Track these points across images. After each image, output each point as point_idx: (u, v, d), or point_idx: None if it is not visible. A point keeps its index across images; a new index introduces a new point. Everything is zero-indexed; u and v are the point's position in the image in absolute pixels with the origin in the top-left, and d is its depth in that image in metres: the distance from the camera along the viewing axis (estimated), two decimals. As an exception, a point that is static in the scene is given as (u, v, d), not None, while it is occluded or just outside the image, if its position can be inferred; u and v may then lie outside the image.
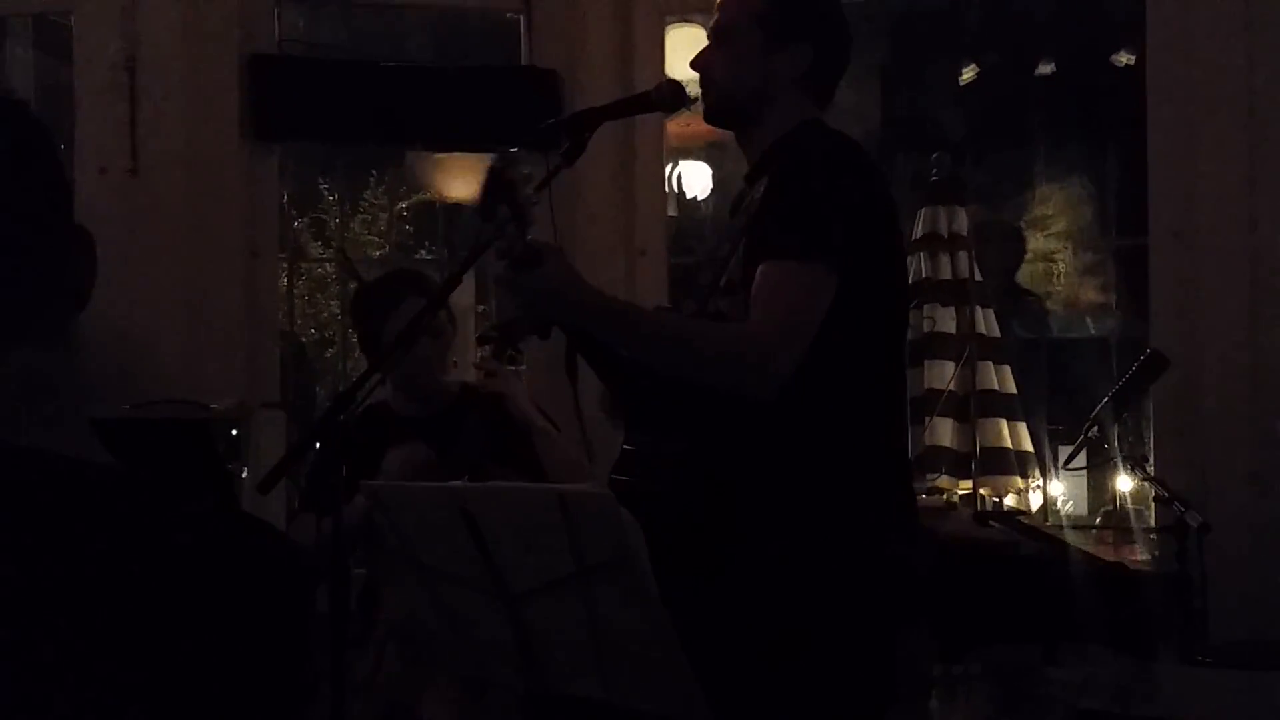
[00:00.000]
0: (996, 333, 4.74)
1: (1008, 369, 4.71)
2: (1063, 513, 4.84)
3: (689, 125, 5.33)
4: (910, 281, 4.66)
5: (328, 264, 5.96)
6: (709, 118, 2.51)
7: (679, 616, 1.91)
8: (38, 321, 1.09)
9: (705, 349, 2.23)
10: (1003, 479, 4.63)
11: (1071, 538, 4.25)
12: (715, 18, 2.50)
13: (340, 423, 2.05)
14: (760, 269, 2.21)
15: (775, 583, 2.28)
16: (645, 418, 2.44)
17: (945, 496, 4.57)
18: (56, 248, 1.11)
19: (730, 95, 2.45)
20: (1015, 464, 4.64)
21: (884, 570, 2.33)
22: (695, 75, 2.52)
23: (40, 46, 5.47)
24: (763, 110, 2.43)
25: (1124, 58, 5.59)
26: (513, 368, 3.06)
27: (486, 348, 3.05)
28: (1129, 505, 4.49)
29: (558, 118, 2.43)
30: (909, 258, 4.70)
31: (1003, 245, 5.59)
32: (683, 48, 4.82)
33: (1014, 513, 4.52)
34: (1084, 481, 4.96)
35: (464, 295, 5.38)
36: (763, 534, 2.29)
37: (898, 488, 2.44)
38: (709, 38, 2.50)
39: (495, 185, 2.24)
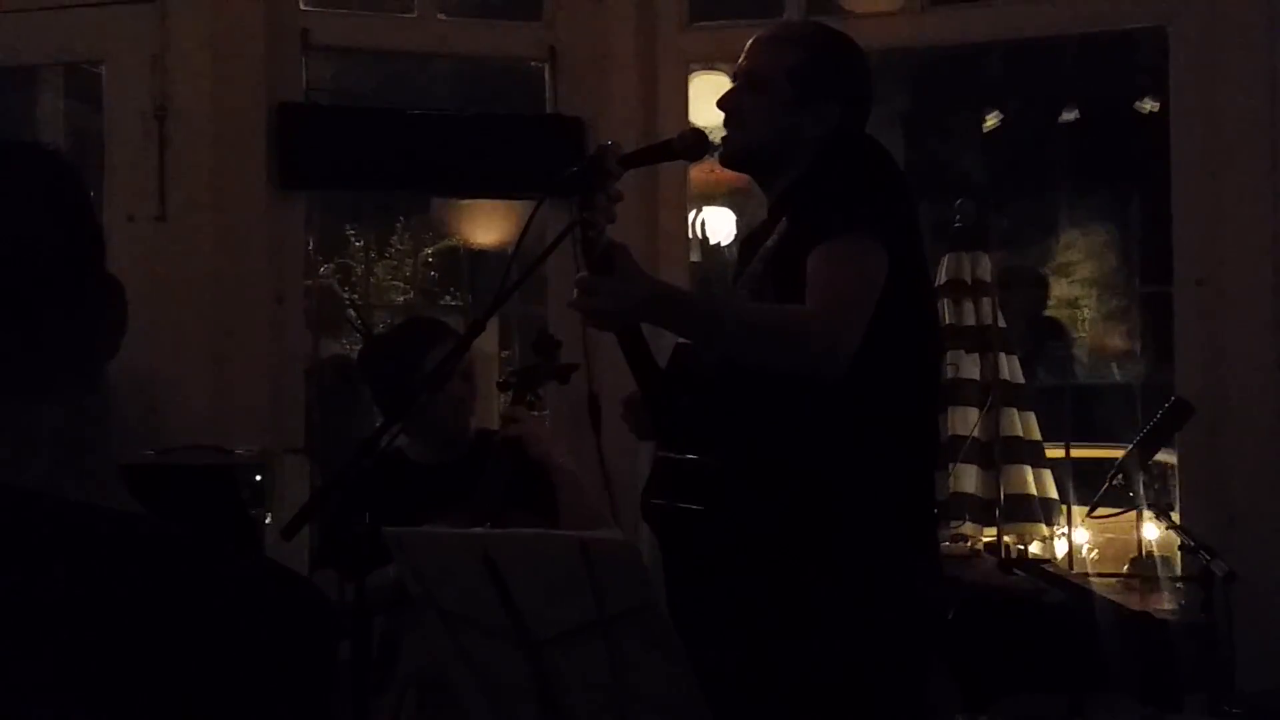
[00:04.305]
0: (1020, 379, 4.73)
1: (1032, 415, 4.69)
2: (1088, 561, 4.81)
3: (712, 172, 5.35)
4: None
5: (352, 304, 5.98)
6: (727, 161, 2.53)
7: (697, 657, 1.90)
8: (71, 370, 1.10)
9: (773, 332, 2.26)
10: (1027, 526, 4.61)
11: (1097, 586, 4.22)
12: (745, 61, 2.52)
13: (362, 470, 2.05)
14: (813, 254, 2.25)
15: (802, 621, 2.28)
16: (680, 431, 2.44)
17: (969, 544, 4.54)
18: (90, 296, 1.12)
19: (755, 144, 2.48)
20: (1040, 511, 4.61)
21: (914, 610, 2.34)
22: (718, 122, 2.54)
23: (71, 95, 5.53)
24: (785, 162, 2.46)
25: (1148, 104, 5.61)
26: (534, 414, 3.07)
27: (508, 394, 3.07)
28: (1155, 554, 4.45)
29: (582, 165, 2.44)
30: (932, 304, 4.70)
31: (1025, 291, 5.59)
32: (707, 96, 4.84)
33: (1039, 560, 4.49)
34: (1109, 529, 4.93)
35: (487, 342, 5.41)
36: (792, 557, 2.29)
37: (928, 523, 2.46)
38: (738, 79, 2.52)
39: (598, 170, 2.25)
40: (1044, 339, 5.57)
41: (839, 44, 2.53)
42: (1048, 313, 6.27)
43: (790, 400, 2.28)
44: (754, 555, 2.30)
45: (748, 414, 2.33)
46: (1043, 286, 6.09)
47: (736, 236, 5.76)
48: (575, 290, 2.23)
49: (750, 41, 2.54)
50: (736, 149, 2.51)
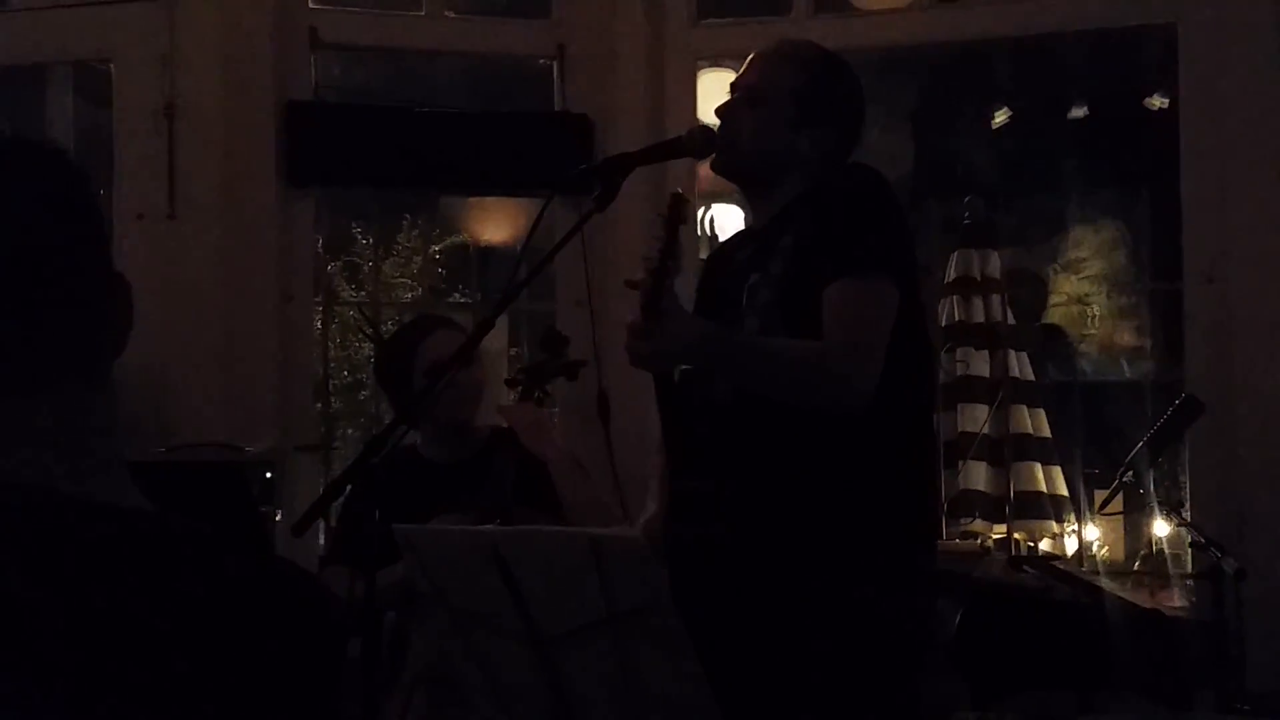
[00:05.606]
0: (1030, 376, 4.72)
1: (1042, 412, 4.69)
2: (1098, 558, 4.80)
3: (721, 169, 5.34)
4: (943, 325, 4.66)
5: (361, 307, 5.99)
6: (720, 169, 2.55)
7: (709, 660, 1.91)
8: (78, 368, 1.10)
9: (801, 368, 2.32)
10: (1037, 523, 4.60)
11: (1107, 583, 4.21)
12: (748, 75, 2.52)
13: (372, 467, 2.05)
14: (830, 289, 2.30)
15: (807, 626, 2.31)
16: (698, 462, 2.47)
17: (979, 541, 4.54)
18: (96, 294, 1.12)
19: (750, 159, 2.49)
20: (1050, 508, 4.61)
21: (914, 614, 2.38)
22: (724, 119, 2.55)
23: (80, 93, 5.54)
24: (779, 178, 2.48)
25: (1157, 101, 5.59)
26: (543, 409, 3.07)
27: (517, 391, 3.07)
28: (1165, 551, 4.44)
29: (590, 163, 2.45)
30: (941, 301, 4.70)
31: (1025, 295, 5.58)
32: (715, 93, 4.83)
33: (1049, 558, 4.49)
34: (1120, 526, 4.92)
35: (495, 339, 5.41)
36: (804, 571, 2.33)
37: (932, 537, 2.51)
38: (737, 91, 2.53)
39: (678, 216, 2.26)
40: (1044, 344, 5.56)
41: (841, 70, 2.55)
42: (1054, 308, 6.26)
43: (805, 428, 2.32)
44: (768, 569, 2.33)
45: (764, 442, 2.36)
46: (1042, 290, 6.08)
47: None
48: (628, 335, 2.25)
49: (752, 56, 2.55)
50: (729, 161, 2.53)
